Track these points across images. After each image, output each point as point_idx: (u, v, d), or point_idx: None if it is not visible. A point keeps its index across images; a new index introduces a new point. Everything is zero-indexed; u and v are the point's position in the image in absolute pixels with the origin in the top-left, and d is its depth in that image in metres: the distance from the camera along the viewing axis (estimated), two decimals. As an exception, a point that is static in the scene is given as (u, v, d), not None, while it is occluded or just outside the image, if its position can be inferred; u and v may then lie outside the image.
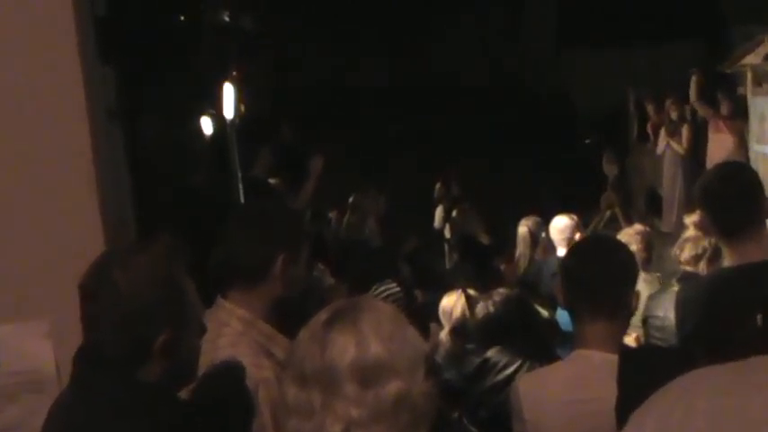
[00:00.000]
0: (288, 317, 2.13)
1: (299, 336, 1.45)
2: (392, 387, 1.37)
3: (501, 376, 3.27)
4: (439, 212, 9.90)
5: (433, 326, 4.02)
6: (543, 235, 5.31)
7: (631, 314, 2.22)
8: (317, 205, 6.83)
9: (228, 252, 2.10)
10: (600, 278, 2.12)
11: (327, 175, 5.78)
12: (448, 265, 7.97)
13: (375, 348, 1.38)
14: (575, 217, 5.05)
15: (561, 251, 4.85)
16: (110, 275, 1.61)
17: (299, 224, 2.28)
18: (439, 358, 3.78)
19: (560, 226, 4.96)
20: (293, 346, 1.45)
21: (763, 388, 1.12)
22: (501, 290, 3.69)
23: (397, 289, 4.01)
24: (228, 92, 5.63)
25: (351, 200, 7.50)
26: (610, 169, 10.87)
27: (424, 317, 3.98)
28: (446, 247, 8.92)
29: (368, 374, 1.36)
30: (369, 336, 1.39)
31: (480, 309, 3.47)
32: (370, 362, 1.37)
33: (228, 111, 5.67)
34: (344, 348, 1.37)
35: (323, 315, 1.45)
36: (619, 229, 7.25)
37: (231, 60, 5.69)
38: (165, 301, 1.63)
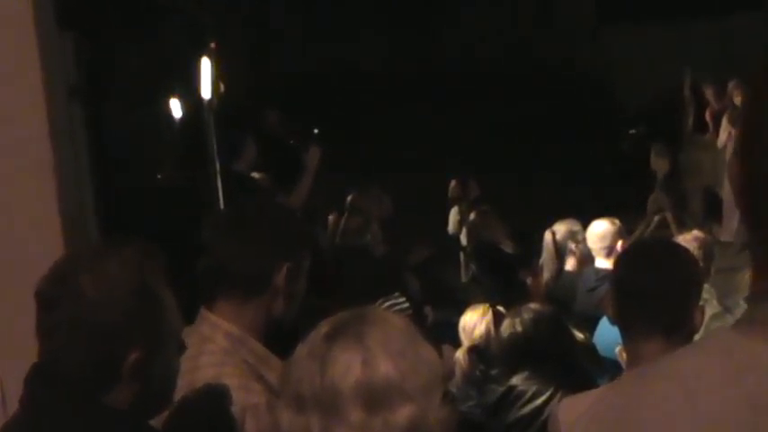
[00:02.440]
0: (278, 333, 2.15)
1: (296, 352, 1.47)
2: (403, 412, 1.39)
3: (528, 408, 3.29)
4: (454, 215, 9.90)
5: (446, 348, 4.03)
6: (573, 246, 5.30)
7: (694, 332, 2.22)
8: (311, 205, 6.85)
9: (221, 258, 2.11)
10: (656, 287, 2.14)
11: (321, 171, 5.82)
12: (464, 278, 7.98)
13: (384, 367, 1.41)
14: (617, 222, 5.05)
15: (600, 262, 4.87)
16: (74, 281, 1.63)
17: (302, 229, 2.31)
18: (454, 388, 3.80)
19: (600, 232, 4.97)
20: (289, 365, 1.48)
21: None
22: (532, 305, 3.70)
23: (407, 305, 4.02)
24: (206, 68, 5.65)
25: (349, 200, 7.51)
26: (659, 165, 10.84)
27: (436, 338, 3.99)
28: (462, 256, 8.93)
29: (375, 398, 1.39)
30: (376, 353, 1.42)
31: (506, 327, 3.46)
32: (377, 383, 1.40)
33: (206, 90, 5.69)
34: (348, 367, 1.40)
35: (323, 328, 1.47)
36: (669, 237, 7.26)
37: (209, 31, 5.72)
38: (138, 313, 1.64)
